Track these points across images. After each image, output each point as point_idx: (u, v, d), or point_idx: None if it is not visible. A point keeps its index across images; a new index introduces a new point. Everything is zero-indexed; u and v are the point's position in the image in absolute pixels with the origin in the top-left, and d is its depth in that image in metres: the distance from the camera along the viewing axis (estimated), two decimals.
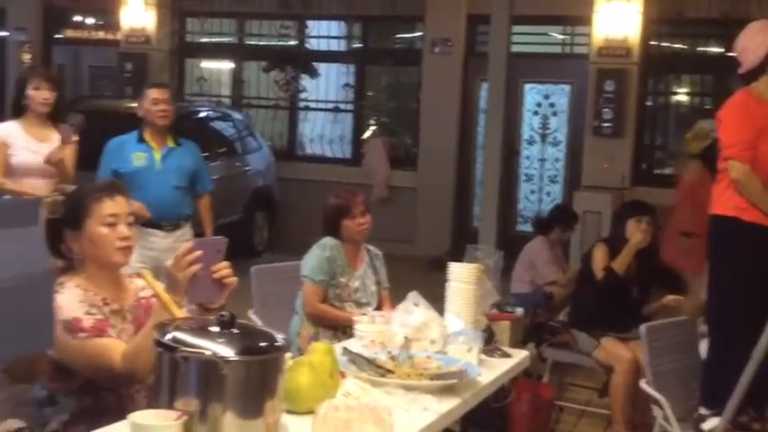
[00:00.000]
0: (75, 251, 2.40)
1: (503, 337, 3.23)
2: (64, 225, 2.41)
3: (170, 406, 1.80)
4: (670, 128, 9.40)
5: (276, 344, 1.90)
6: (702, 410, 3.64)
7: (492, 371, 2.78)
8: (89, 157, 4.65)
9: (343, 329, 3.66)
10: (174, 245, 4.48)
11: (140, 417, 1.78)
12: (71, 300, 2.31)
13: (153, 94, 4.63)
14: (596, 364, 4.51)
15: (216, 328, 1.87)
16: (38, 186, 4.40)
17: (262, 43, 10.53)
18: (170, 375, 1.81)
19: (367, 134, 10.09)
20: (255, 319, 3.88)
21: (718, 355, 3.68)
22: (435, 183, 9.19)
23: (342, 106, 10.21)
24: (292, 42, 10.28)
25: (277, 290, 4.17)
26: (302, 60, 9.94)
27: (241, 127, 9.21)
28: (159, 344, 1.83)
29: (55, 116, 4.55)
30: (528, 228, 7.94)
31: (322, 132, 10.22)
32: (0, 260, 1.75)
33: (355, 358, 2.50)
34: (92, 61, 11.78)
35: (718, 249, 3.78)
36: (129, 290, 2.47)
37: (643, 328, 3.64)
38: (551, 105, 9.29)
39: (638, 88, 8.57)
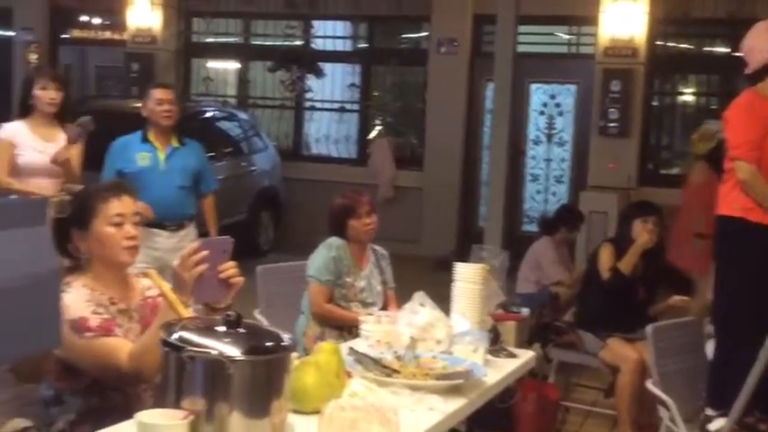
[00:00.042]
0: (81, 251, 2.41)
1: (508, 338, 3.23)
2: (71, 225, 2.42)
3: (177, 405, 1.81)
4: (676, 128, 9.39)
5: (282, 344, 1.90)
6: (709, 411, 3.64)
7: (498, 371, 2.78)
8: (96, 156, 4.66)
9: (348, 329, 3.65)
10: (178, 245, 4.48)
11: (147, 416, 1.79)
12: (78, 299, 2.31)
13: (157, 94, 4.62)
14: (602, 365, 4.50)
15: (222, 328, 1.87)
16: (44, 186, 4.40)
17: (267, 43, 10.54)
18: (177, 375, 1.81)
19: (373, 134, 10.09)
20: (261, 319, 3.88)
21: (725, 355, 3.67)
22: (441, 183, 9.19)
23: (347, 106, 10.21)
24: (298, 42, 10.29)
25: (283, 290, 4.17)
26: (308, 60, 9.94)
27: (247, 127, 9.22)
28: (166, 343, 1.83)
29: (61, 116, 4.56)
30: (534, 228, 7.92)
31: (328, 132, 10.22)
32: (7, 260, 1.75)
33: (361, 358, 2.50)
34: (98, 61, 11.80)
35: (725, 250, 3.77)
36: (135, 289, 2.48)
37: (649, 328, 3.63)
38: (557, 105, 9.28)
39: (644, 88, 8.55)
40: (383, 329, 2.76)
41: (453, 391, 2.45)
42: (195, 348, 1.79)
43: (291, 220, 9.27)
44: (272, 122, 10.31)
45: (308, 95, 10.16)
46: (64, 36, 11.16)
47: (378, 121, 10.32)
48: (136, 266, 2.57)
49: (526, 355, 3.07)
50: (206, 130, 8.19)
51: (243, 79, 10.70)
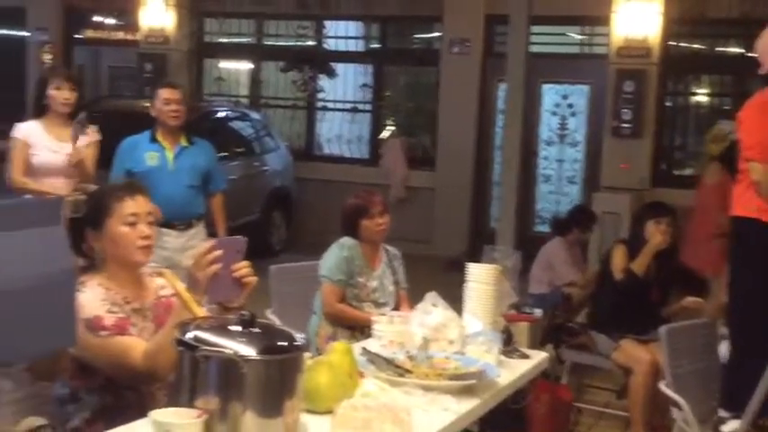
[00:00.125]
0: (96, 250, 2.42)
1: (521, 339, 3.22)
2: (85, 224, 2.43)
3: (190, 404, 1.81)
4: (690, 128, 9.34)
5: (296, 343, 1.91)
6: (722, 413, 3.62)
7: (511, 372, 2.78)
8: (110, 156, 4.68)
9: (361, 329, 3.66)
10: (186, 244, 4.50)
11: (161, 415, 1.79)
12: (93, 298, 2.33)
13: (164, 94, 4.63)
14: (615, 366, 4.49)
15: (236, 328, 1.88)
16: (59, 186, 4.42)
17: (280, 43, 10.55)
18: (191, 374, 1.82)
19: (385, 134, 10.09)
20: (274, 319, 3.89)
21: (739, 357, 3.66)
22: (453, 183, 9.18)
23: (360, 106, 10.21)
24: (310, 42, 10.30)
25: (295, 290, 4.17)
26: (320, 60, 9.95)
27: (259, 127, 9.24)
28: (180, 342, 1.84)
29: (75, 116, 4.58)
30: (545, 228, 7.91)
31: (340, 132, 10.23)
32: (23, 259, 1.77)
33: (374, 358, 2.50)
34: (111, 62, 11.85)
35: (739, 251, 3.76)
36: (149, 288, 2.49)
37: (663, 329, 3.62)
38: (570, 106, 9.26)
39: (657, 89, 8.52)
40: (396, 329, 2.76)
41: (466, 391, 2.44)
42: (209, 347, 1.80)
43: (303, 220, 9.28)
44: (284, 122, 10.33)
45: (321, 95, 10.18)
46: (77, 36, 11.22)
47: (390, 122, 10.32)
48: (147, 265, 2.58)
49: (539, 356, 3.06)
50: (218, 130, 8.22)
51: (255, 79, 10.73)
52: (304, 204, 9.38)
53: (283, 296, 4.14)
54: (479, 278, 2.92)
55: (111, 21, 11.06)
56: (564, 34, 9.52)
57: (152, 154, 4.62)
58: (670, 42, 8.64)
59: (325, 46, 10.23)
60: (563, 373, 4.69)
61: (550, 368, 4.02)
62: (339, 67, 10.09)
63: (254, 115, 9.42)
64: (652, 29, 8.32)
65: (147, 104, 4.81)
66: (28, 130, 4.52)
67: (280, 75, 10.29)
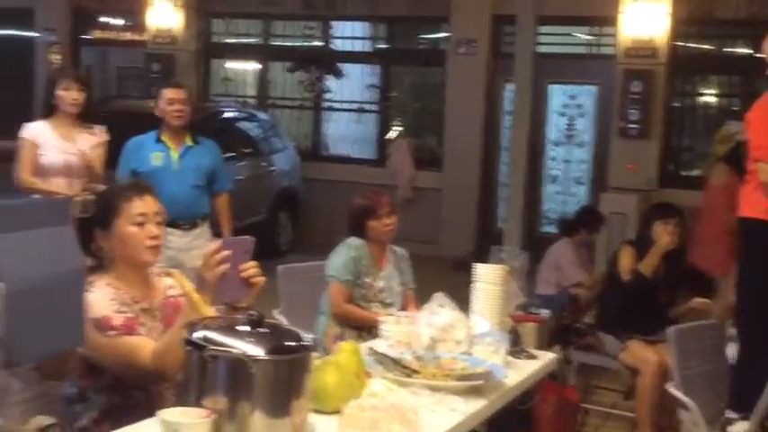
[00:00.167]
0: (105, 250, 2.43)
1: (528, 339, 3.21)
2: (94, 224, 2.44)
3: (198, 404, 1.82)
4: (697, 129, 9.31)
5: (304, 343, 1.91)
6: (730, 414, 3.61)
7: (518, 373, 2.78)
8: (118, 155, 4.70)
9: (368, 330, 3.66)
10: (191, 244, 4.50)
11: (169, 414, 1.80)
12: (101, 298, 2.33)
13: (168, 94, 4.64)
14: (622, 367, 4.48)
15: (245, 328, 1.88)
16: (67, 186, 4.44)
17: (287, 44, 10.56)
18: (199, 373, 1.82)
19: (392, 135, 10.10)
20: (281, 319, 3.89)
21: (747, 358, 3.65)
22: (460, 183, 9.17)
23: (366, 107, 10.22)
24: (317, 43, 10.31)
25: (302, 290, 4.18)
26: (327, 61, 9.96)
27: (266, 127, 9.25)
28: (189, 342, 1.85)
29: (84, 116, 4.60)
30: (552, 229, 7.90)
31: (347, 133, 10.23)
32: (32, 259, 1.77)
33: (381, 358, 2.50)
34: (119, 62, 11.87)
35: (748, 252, 3.75)
36: (157, 288, 2.50)
37: (671, 330, 3.61)
38: (577, 106, 9.24)
39: (664, 89, 8.50)
40: (403, 330, 2.76)
41: (473, 392, 2.44)
42: (218, 347, 1.80)
43: (310, 220, 9.28)
44: (291, 123, 10.33)
45: (327, 96, 10.18)
46: (85, 37, 11.25)
47: (397, 122, 10.32)
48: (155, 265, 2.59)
49: (546, 357, 3.06)
50: (225, 130, 8.23)
51: (262, 80, 10.74)
52: (311, 205, 9.39)
53: (291, 296, 4.15)
54: (486, 279, 2.92)
55: (118, 21, 11.09)
56: (571, 34, 9.50)
57: (157, 154, 4.64)
58: (677, 43, 8.61)
59: (331, 46, 10.23)
60: (570, 373, 4.68)
61: (558, 369, 4.01)
62: (346, 68, 10.09)
63: (262, 115, 9.44)
64: (659, 29, 8.30)
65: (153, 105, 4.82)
66: (36, 131, 4.53)
67: (287, 75, 10.29)
